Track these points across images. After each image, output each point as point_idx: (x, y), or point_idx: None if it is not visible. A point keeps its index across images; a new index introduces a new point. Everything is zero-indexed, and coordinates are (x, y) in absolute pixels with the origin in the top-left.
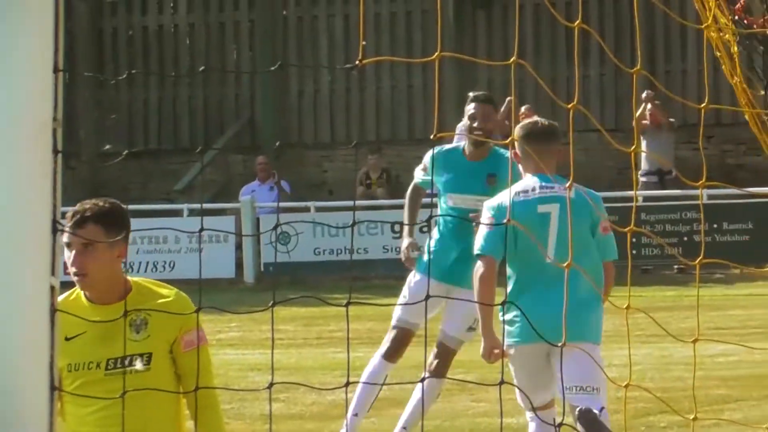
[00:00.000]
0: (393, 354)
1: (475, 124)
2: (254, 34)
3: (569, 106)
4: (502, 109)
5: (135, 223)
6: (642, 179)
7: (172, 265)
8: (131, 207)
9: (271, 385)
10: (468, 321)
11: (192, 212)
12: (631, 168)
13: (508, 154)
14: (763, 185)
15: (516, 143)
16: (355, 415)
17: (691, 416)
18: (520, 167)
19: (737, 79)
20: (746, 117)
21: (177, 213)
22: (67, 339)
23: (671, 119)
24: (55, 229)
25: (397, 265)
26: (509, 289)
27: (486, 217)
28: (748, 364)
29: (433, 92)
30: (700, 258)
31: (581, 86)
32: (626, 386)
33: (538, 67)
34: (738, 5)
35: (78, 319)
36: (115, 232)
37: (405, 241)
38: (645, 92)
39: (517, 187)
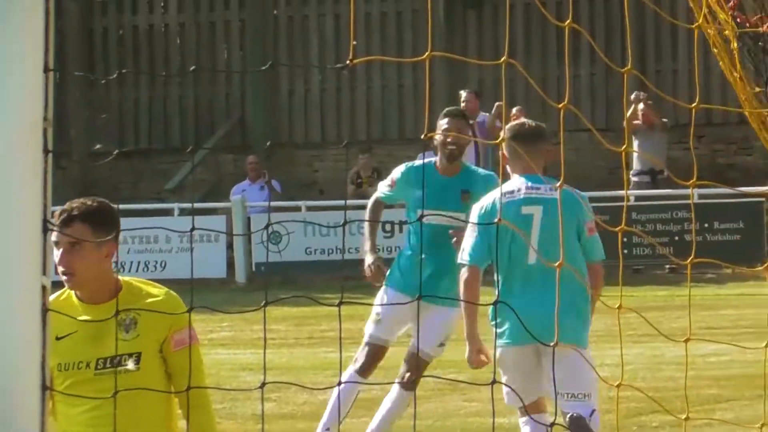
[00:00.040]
0: (366, 370)
1: (449, 139)
2: (245, 34)
3: (560, 105)
4: (492, 112)
5: (126, 222)
6: (634, 179)
7: (163, 264)
8: (122, 206)
9: (263, 384)
10: (440, 337)
11: (183, 212)
12: (621, 168)
13: (481, 170)
14: (753, 185)
15: (503, 144)
16: (327, 429)
17: (683, 416)
18: (509, 168)
19: (737, 75)
20: (745, 113)
21: (168, 212)
22: (57, 338)
23: (664, 120)
24: (46, 229)
25: (388, 265)
26: (496, 292)
27: (473, 218)
28: (740, 364)
29: (423, 92)
30: (692, 258)
31: (572, 86)
32: (618, 386)
33: (528, 66)
34: (731, 2)
35: (68, 319)
36: (103, 231)
37: (369, 258)
38: (634, 93)
39: (504, 188)
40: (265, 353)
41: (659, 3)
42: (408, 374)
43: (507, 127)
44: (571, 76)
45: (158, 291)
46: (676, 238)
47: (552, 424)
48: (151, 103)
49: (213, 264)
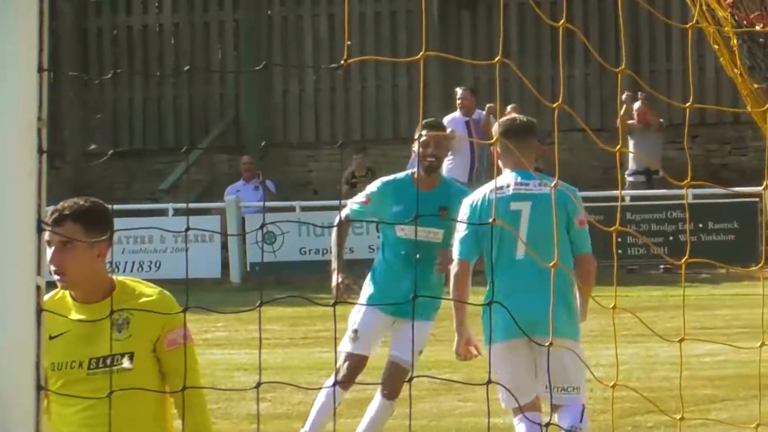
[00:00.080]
0: (348, 381)
1: (429, 151)
2: (239, 34)
3: (554, 105)
4: (484, 112)
5: (120, 222)
6: (629, 179)
7: (157, 264)
8: (116, 207)
9: (258, 384)
10: (418, 346)
11: (177, 212)
12: (616, 168)
13: (457, 184)
14: (747, 185)
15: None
16: None
17: (678, 416)
18: (500, 163)
19: (738, 71)
20: (745, 110)
21: (162, 213)
22: (50, 338)
23: (661, 119)
24: (41, 229)
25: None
26: (487, 288)
27: (463, 213)
28: (735, 364)
29: (418, 92)
30: (686, 258)
31: (566, 86)
32: (613, 386)
33: (522, 66)
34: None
35: (62, 318)
36: (96, 231)
37: (338, 276)
38: (626, 93)
39: (493, 183)
40: (260, 353)
41: (653, 3)
42: (390, 382)
43: (498, 122)
44: (566, 76)
45: (151, 291)
46: (671, 238)
47: (548, 424)
48: (145, 103)
49: (207, 264)
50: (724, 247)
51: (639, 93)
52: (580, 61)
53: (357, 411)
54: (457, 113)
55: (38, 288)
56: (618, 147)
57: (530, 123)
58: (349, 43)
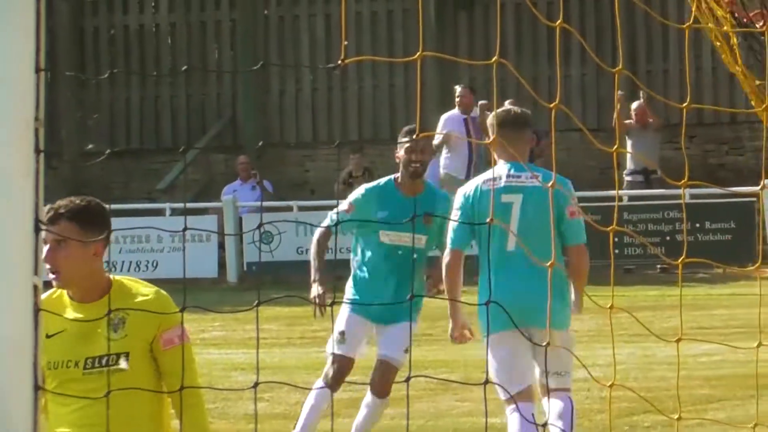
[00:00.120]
0: (336, 384)
1: (413, 157)
2: (235, 34)
3: (551, 105)
4: (478, 112)
5: (117, 222)
6: (627, 178)
7: (155, 264)
8: (113, 206)
9: (256, 384)
10: (404, 344)
11: (174, 211)
12: (613, 168)
13: (441, 192)
14: (744, 185)
15: (488, 131)
16: None
17: (675, 416)
18: (495, 155)
19: (739, 69)
20: (753, 105)
21: (159, 212)
22: (47, 336)
23: (660, 118)
24: (38, 229)
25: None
26: (480, 278)
27: (456, 202)
28: (732, 364)
29: (415, 92)
30: (683, 257)
31: (563, 86)
32: (610, 386)
33: (519, 66)
34: None
35: (58, 317)
36: (91, 230)
37: (318, 289)
38: (619, 93)
39: (487, 174)
40: (257, 353)
41: (650, 3)
42: (379, 381)
43: (493, 113)
44: (562, 76)
45: (148, 290)
46: (668, 238)
47: (544, 424)
48: (142, 103)
49: (204, 264)
50: (721, 247)
51: (641, 93)
52: (577, 61)
53: (354, 411)
54: (455, 110)
55: (35, 287)
56: (615, 147)
57: (524, 114)
58: (346, 43)
